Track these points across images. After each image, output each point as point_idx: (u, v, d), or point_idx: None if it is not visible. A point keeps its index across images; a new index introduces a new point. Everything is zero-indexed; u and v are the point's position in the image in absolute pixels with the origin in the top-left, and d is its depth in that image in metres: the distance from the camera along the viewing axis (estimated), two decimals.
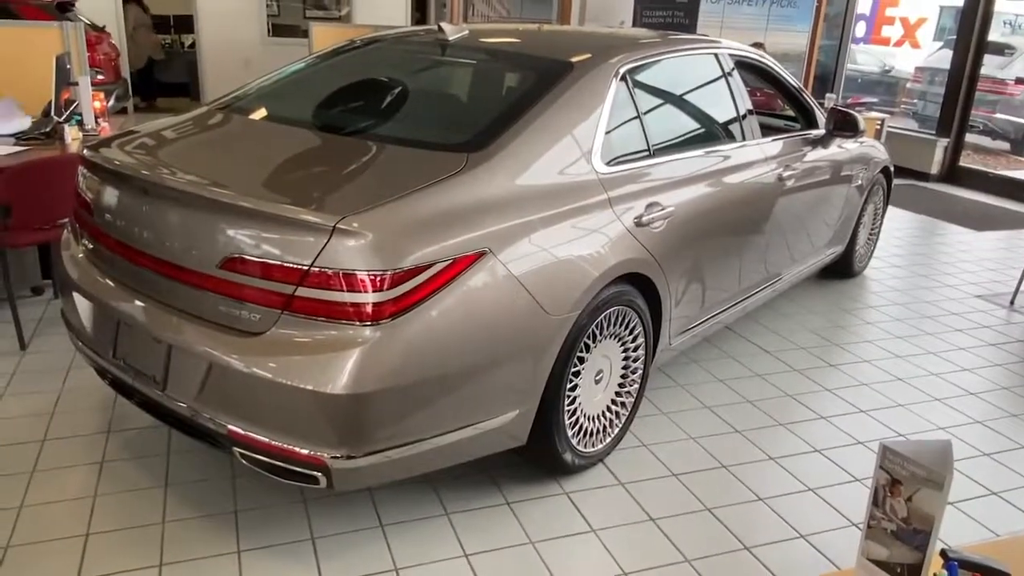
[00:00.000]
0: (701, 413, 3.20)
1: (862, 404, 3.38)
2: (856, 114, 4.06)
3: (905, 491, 1.04)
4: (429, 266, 2.04)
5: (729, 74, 3.46)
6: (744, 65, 3.64)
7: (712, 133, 3.36)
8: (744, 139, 3.44)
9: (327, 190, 2.16)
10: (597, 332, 2.58)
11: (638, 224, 2.67)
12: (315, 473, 2.06)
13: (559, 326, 2.38)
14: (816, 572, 2.31)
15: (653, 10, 7.52)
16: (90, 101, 4.57)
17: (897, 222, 6.69)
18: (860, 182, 4.53)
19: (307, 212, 2.00)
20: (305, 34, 7.65)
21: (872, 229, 5.13)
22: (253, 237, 2.05)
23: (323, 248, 1.96)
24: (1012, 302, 4.83)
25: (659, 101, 3.06)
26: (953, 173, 8.55)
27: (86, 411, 2.99)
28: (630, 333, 2.76)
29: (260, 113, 2.89)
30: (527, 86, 2.70)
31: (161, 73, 11.73)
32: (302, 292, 2.00)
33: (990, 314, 4.64)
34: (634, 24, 7.73)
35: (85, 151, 2.60)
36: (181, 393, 2.21)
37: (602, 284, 2.49)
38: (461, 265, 2.11)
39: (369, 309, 1.97)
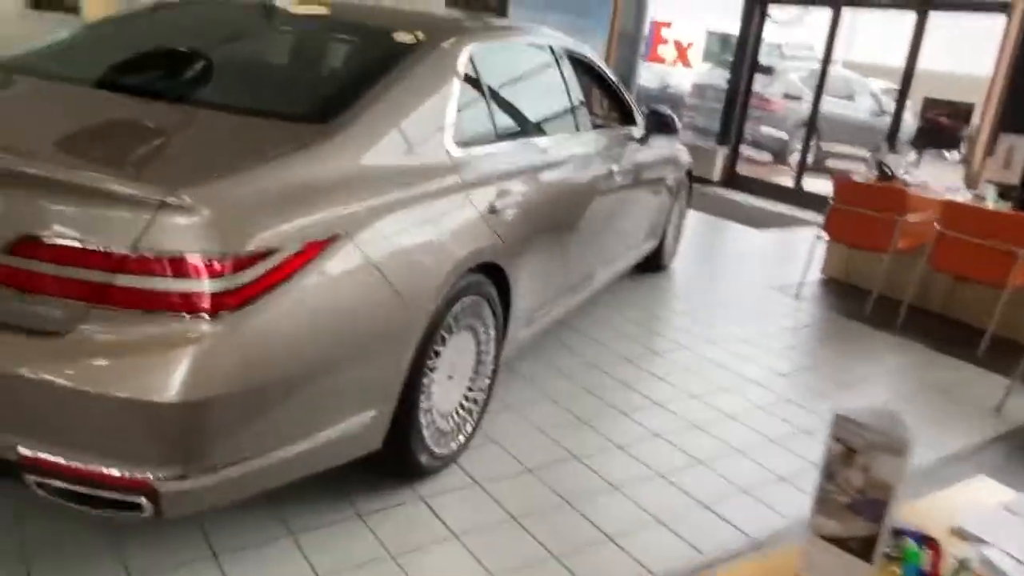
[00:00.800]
0: (545, 404, 3.14)
1: (692, 389, 3.50)
2: (674, 116, 4.25)
3: (861, 460, 1.00)
4: (276, 250, 1.77)
5: (564, 66, 3.45)
6: (573, 59, 3.66)
7: (553, 121, 3.32)
8: (579, 130, 3.45)
9: (150, 160, 1.82)
10: (453, 323, 2.42)
11: (492, 211, 2.55)
12: (138, 499, 1.71)
13: (418, 316, 2.19)
14: (678, 557, 2.32)
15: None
16: None
17: (691, 221, 7.17)
18: (671, 182, 4.76)
19: (126, 183, 1.65)
20: (70, 9, 6.75)
21: (677, 226, 5.42)
22: (54, 214, 1.67)
23: (147, 227, 1.63)
24: (797, 295, 5.31)
25: (504, 85, 2.96)
26: (732, 179, 9.36)
27: None
28: (482, 324, 2.63)
29: (55, 73, 2.41)
30: (376, 59, 2.48)
31: None
32: (119, 281, 1.65)
33: (780, 303, 5.06)
34: None
35: None
36: None
37: (460, 272, 2.33)
38: (314, 250, 1.86)
39: (206, 300, 1.67)
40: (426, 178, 2.28)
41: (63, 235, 1.65)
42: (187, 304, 1.66)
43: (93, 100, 2.22)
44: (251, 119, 2.12)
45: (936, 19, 7.34)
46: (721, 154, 9.32)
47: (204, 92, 2.32)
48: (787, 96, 10.98)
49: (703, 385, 3.57)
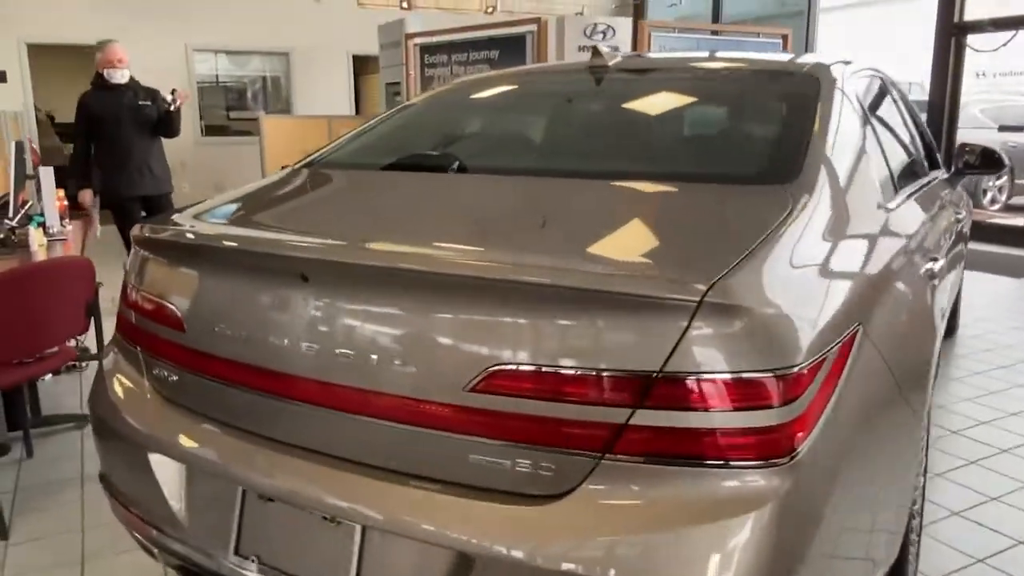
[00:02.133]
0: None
1: None
2: (994, 148, 3.57)
3: None
4: (823, 360, 1.26)
5: (896, 97, 2.90)
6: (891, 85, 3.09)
7: (918, 165, 2.75)
8: (925, 174, 2.86)
9: (639, 248, 1.36)
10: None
11: (931, 276, 1.98)
12: None
13: (919, 421, 1.63)
14: None
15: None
16: (54, 197, 3.60)
17: None
18: (967, 231, 4.04)
19: (643, 280, 1.19)
20: (233, 132, 6.92)
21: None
22: (538, 332, 1.22)
23: (682, 337, 1.15)
24: None
25: (880, 124, 2.42)
26: None
27: None
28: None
29: (427, 164, 2.05)
30: (777, 103, 2.02)
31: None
32: (642, 418, 1.17)
33: None
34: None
35: (147, 233, 1.71)
36: None
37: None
38: (845, 353, 1.33)
39: (773, 437, 1.16)
40: (894, 238, 1.76)
41: (554, 360, 1.20)
42: (748, 447, 1.16)
43: (515, 187, 1.82)
44: (693, 186, 1.66)
45: None
46: None
47: (619, 165, 1.93)
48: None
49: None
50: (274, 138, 7.93)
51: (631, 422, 1.17)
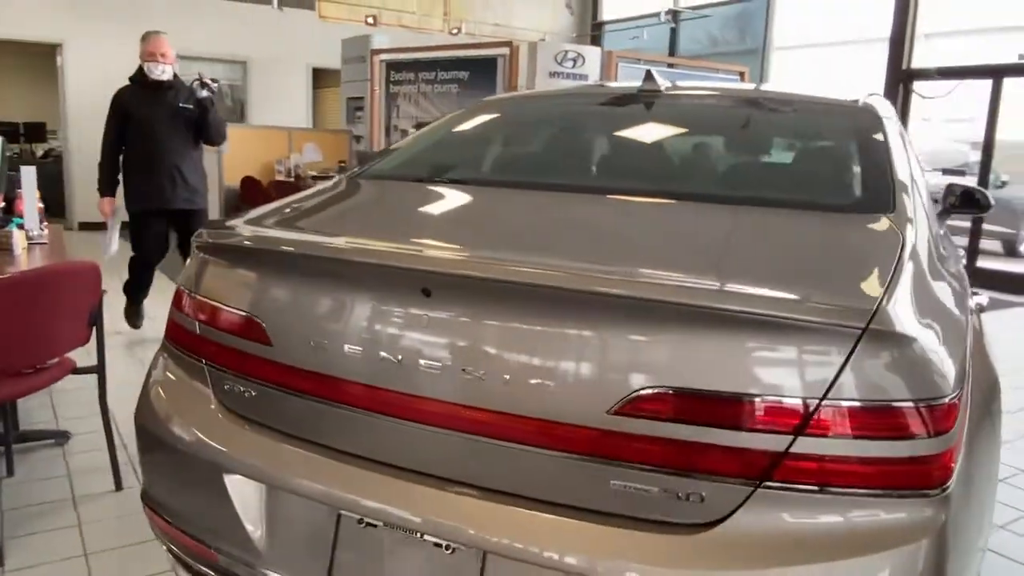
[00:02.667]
0: None
1: None
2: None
3: None
4: (963, 389, 1.28)
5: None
6: None
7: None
8: None
9: (787, 274, 1.34)
10: None
11: (981, 309, 2.05)
12: None
13: (999, 446, 1.67)
14: None
15: None
16: (35, 198, 3.39)
17: None
18: None
19: (808, 305, 1.17)
20: None
21: None
22: (687, 355, 1.20)
23: (845, 364, 1.14)
24: None
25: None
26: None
27: None
28: None
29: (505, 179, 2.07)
30: (845, 134, 2.06)
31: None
32: (803, 446, 1.15)
33: None
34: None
35: (220, 239, 1.62)
36: None
37: None
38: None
39: (929, 467, 1.16)
40: (955, 264, 1.82)
41: (705, 384, 1.18)
42: (909, 477, 1.15)
43: (628, 207, 1.78)
44: (801, 212, 1.67)
45: None
46: None
47: (713, 187, 1.98)
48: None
49: None
50: (234, 148, 7.68)
51: (791, 449, 1.16)
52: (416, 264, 1.36)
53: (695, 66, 9.04)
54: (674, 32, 11.35)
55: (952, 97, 8.38)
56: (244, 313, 1.54)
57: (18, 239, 3.08)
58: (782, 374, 1.16)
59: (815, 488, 1.16)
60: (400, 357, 1.35)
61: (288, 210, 1.83)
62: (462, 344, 1.31)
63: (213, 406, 1.60)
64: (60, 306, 2.40)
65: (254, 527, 1.49)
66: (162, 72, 4.31)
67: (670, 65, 9.01)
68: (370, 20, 9.58)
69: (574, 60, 7.90)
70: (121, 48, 9.01)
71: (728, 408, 1.17)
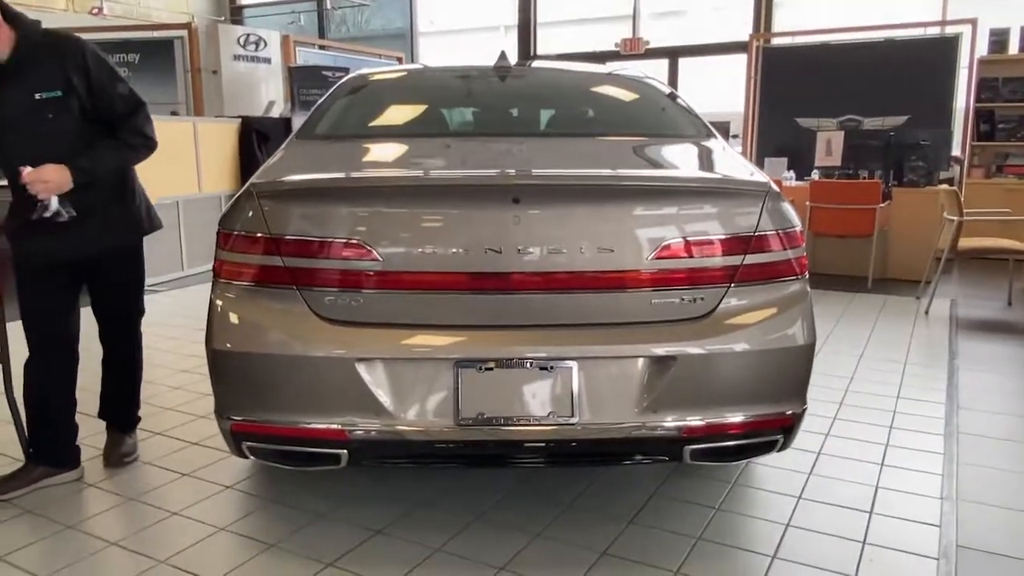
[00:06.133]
0: None
1: None
2: None
3: None
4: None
5: None
6: None
7: None
8: None
9: (705, 166, 2.25)
10: None
11: None
12: (774, 438, 2.11)
13: None
14: None
15: (309, 88, 7.55)
16: None
17: None
18: None
19: (740, 183, 2.10)
20: None
21: None
22: (690, 218, 2.03)
23: (762, 212, 2.08)
24: None
25: None
26: None
27: None
28: None
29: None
30: (656, 91, 3.04)
31: None
32: (749, 260, 2.07)
33: None
34: (292, 104, 7.61)
35: (307, 184, 2.01)
36: (606, 414, 1.98)
37: None
38: None
39: (798, 263, 2.16)
40: None
41: (702, 233, 2.03)
42: (791, 269, 2.12)
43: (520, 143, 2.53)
44: (671, 139, 2.64)
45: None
46: None
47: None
48: None
49: None
50: None
51: (744, 263, 2.06)
52: (508, 181, 1.98)
53: (359, 51, 9.71)
54: (321, 16, 11.80)
55: None
56: (352, 240, 1.96)
57: None
58: (736, 221, 2.05)
59: (759, 281, 2.08)
60: (501, 248, 1.95)
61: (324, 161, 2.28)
62: (546, 232, 1.97)
63: (315, 320, 1.98)
64: None
65: (387, 396, 1.95)
66: None
67: (321, 47, 9.53)
68: None
69: (256, 43, 8.01)
70: None
71: (712, 246, 2.04)
